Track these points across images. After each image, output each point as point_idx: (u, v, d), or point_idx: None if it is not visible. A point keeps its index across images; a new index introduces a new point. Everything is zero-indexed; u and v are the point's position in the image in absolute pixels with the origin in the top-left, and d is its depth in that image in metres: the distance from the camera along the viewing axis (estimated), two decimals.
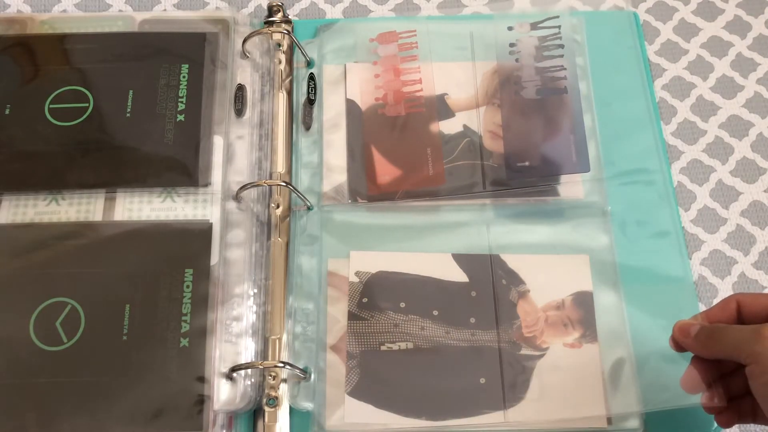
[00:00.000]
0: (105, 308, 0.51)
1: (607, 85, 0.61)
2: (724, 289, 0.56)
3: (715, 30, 0.65)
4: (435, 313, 0.53)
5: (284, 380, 0.51)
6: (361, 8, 0.65)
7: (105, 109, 0.57)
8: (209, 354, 0.50)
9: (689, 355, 0.45)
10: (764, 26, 0.65)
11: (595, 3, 0.65)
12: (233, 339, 0.51)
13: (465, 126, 0.59)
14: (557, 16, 0.60)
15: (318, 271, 0.54)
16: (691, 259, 0.57)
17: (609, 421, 0.50)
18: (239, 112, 0.58)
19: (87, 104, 0.57)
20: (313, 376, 0.51)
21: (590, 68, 0.61)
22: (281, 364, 0.50)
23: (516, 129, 0.58)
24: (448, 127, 0.59)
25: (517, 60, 0.59)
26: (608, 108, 0.60)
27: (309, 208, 0.56)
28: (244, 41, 0.60)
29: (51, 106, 0.57)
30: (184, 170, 0.55)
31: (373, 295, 0.53)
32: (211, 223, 0.54)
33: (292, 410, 0.51)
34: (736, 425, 0.51)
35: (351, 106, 0.59)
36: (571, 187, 0.57)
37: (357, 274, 0.54)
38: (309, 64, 0.61)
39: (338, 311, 0.53)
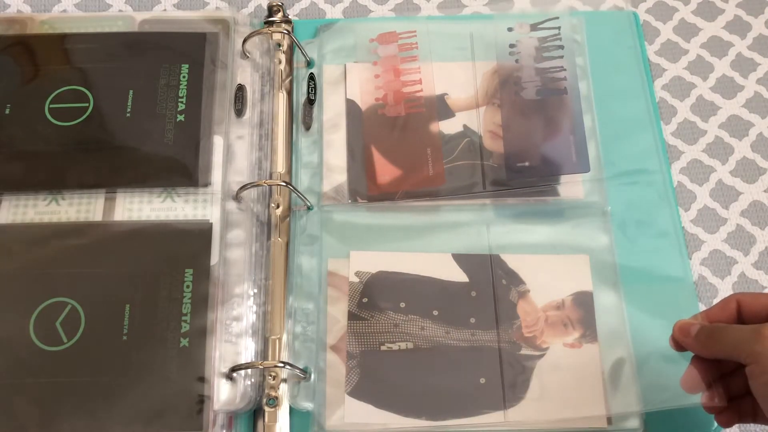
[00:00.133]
0: (105, 308, 0.51)
1: (607, 85, 0.61)
2: (724, 289, 0.56)
3: (715, 30, 0.65)
4: (435, 313, 0.53)
5: (284, 380, 0.51)
6: (361, 8, 0.65)
7: (105, 109, 0.57)
8: (209, 354, 0.50)
9: (689, 354, 0.45)
10: (764, 26, 0.65)
11: (595, 3, 0.65)
12: (233, 339, 0.51)
13: (465, 126, 0.59)
14: (557, 17, 0.60)
15: (318, 271, 0.54)
16: (691, 259, 0.57)
17: (609, 421, 0.50)
18: (239, 112, 0.58)
19: (87, 104, 0.57)
20: (313, 376, 0.51)
21: (590, 68, 0.61)
22: (281, 364, 0.50)
23: (516, 129, 0.58)
24: (448, 127, 0.59)
25: (517, 61, 0.59)
26: (608, 108, 0.60)
27: (309, 208, 0.56)
28: (244, 41, 0.60)
29: (51, 105, 0.57)
30: (184, 170, 0.55)
31: (373, 295, 0.53)
32: (211, 223, 0.54)
33: (292, 410, 0.51)
34: (736, 425, 0.51)
35: (351, 106, 0.59)
36: (571, 187, 0.57)
37: (357, 274, 0.54)
38: (309, 64, 0.61)
39: (338, 311, 0.53)
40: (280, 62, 0.61)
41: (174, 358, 0.49)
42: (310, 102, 0.59)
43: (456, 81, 0.60)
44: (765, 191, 0.59)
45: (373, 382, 0.51)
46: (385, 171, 0.57)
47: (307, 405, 0.50)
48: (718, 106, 0.62)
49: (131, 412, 0.48)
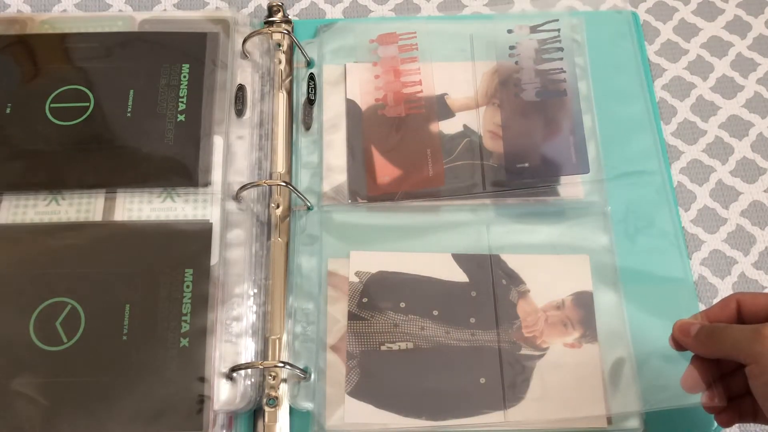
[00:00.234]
0: (105, 308, 0.51)
1: (607, 85, 0.61)
2: (724, 289, 0.56)
3: (715, 30, 0.65)
4: (435, 313, 0.53)
5: (284, 380, 0.51)
6: (361, 8, 0.65)
7: (106, 109, 0.57)
8: (209, 354, 0.50)
9: (689, 354, 0.45)
10: (764, 26, 0.65)
11: (594, 3, 0.65)
12: (233, 339, 0.51)
13: (465, 126, 0.59)
14: (556, 20, 0.60)
15: (318, 271, 0.54)
16: (691, 259, 0.57)
17: (609, 420, 0.50)
18: (239, 112, 0.58)
19: (88, 104, 0.57)
20: (313, 376, 0.51)
21: (590, 68, 0.61)
22: (281, 364, 0.50)
23: (516, 130, 0.58)
24: (448, 127, 0.59)
25: (516, 62, 0.59)
26: (608, 108, 0.60)
27: (309, 208, 0.56)
28: (244, 41, 0.60)
29: (52, 105, 0.57)
30: (184, 170, 0.55)
31: (373, 295, 0.53)
32: (211, 223, 0.54)
33: (292, 410, 0.51)
34: (737, 425, 0.51)
35: (351, 106, 0.59)
36: (571, 187, 0.57)
37: (357, 274, 0.54)
38: (309, 64, 0.61)
39: (338, 311, 0.53)
40: (280, 62, 0.61)
41: (174, 358, 0.49)
42: (310, 102, 0.59)
43: (456, 81, 0.60)
44: (765, 191, 0.59)
45: (373, 382, 0.51)
46: (385, 171, 0.57)
47: (307, 405, 0.50)
48: (718, 106, 0.62)
49: (131, 412, 0.48)
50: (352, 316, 0.53)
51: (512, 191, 0.56)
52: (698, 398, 0.44)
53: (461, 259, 0.55)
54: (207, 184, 0.55)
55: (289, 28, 0.61)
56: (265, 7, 0.64)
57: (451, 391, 0.51)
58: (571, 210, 0.56)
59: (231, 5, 0.65)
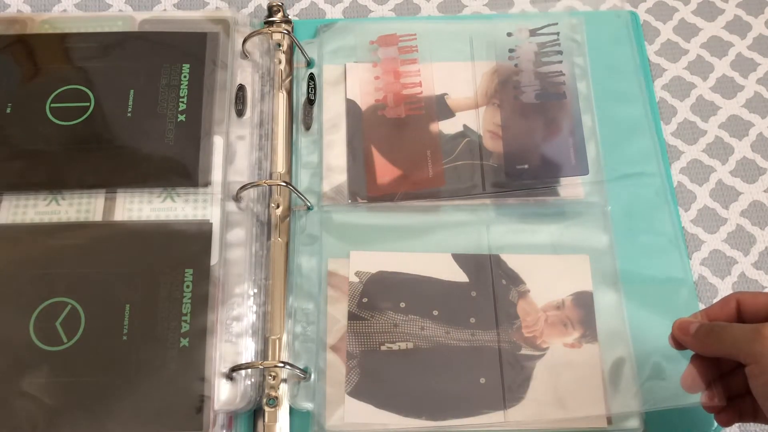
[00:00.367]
0: (105, 308, 0.51)
1: (607, 85, 0.61)
2: (724, 289, 0.56)
3: (715, 30, 0.65)
4: (435, 313, 0.53)
5: (284, 380, 0.51)
6: (361, 8, 0.65)
7: (106, 109, 0.57)
8: (209, 354, 0.50)
9: (689, 354, 0.45)
10: (764, 26, 0.65)
11: (594, 3, 0.65)
12: (233, 339, 0.51)
13: (465, 126, 0.59)
14: (556, 23, 0.60)
15: (318, 271, 0.54)
16: (691, 259, 0.57)
17: (609, 420, 0.50)
18: (240, 112, 0.58)
19: (88, 104, 0.57)
20: (313, 376, 0.51)
21: (590, 68, 0.61)
22: (281, 364, 0.50)
23: (515, 132, 0.58)
24: (449, 127, 0.59)
25: (516, 65, 0.59)
26: (608, 108, 0.60)
27: (309, 208, 0.56)
28: (245, 41, 0.60)
29: (52, 105, 0.57)
30: (184, 170, 0.55)
31: (373, 295, 0.53)
32: (211, 223, 0.54)
33: (292, 410, 0.51)
34: (736, 424, 0.51)
35: (351, 106, 0.59)
36: (572, 187, 0.57)
37: (357, 274, 0.54)
38: (309, 64, 0.61)
39: (338, 311, 0.53)
40: (280, 62, 0.61)
41: (174, 358, 0.49)
42: (310, 102, 0.59)
43: (456, 81, 0.60)
44: (765, 191, 0.59)
45: (373, 382, 0.51)
46: (385, 171, 0.57)
47: (307, 405, 0.50)
48: (718, 106, 0.62)
49: (131, 412, 0.48)
50: (352, 316, 0.53)
51: (512, 192, 0.56)
52: (698, 398, 0.44)
53: (461, 259, 0.55)
54: (207, 184, 0.55)
55: (289, 28, 0.61)
56: (265, 7, 0.64)
57: (451, 391, 0.51)
58: (571, 210, 0.56)
59: (231, 5, 0.65)
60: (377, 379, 0.51)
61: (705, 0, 0.66)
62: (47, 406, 0.48)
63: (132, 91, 0.57)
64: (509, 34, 0.61)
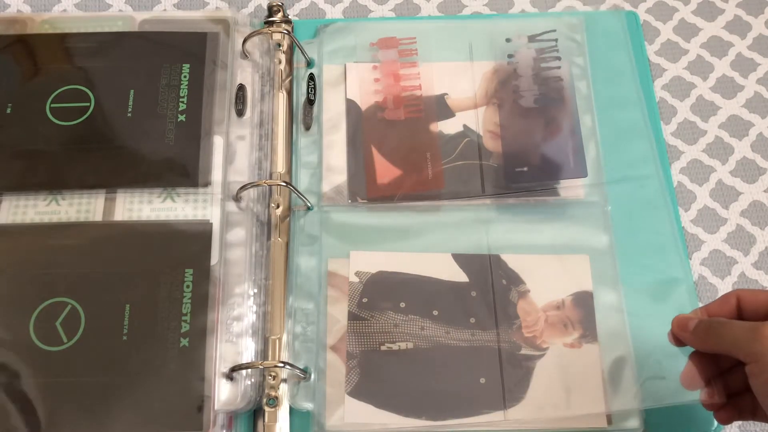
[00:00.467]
0: (105, 308, 0.51)
1: (606, 85, 0.61)
2: (724, 289, 0.56)
3: (715, 30, 0.65)
4: (435, 313, 0.53)
5: (284, 380, 0.51)
6: (361, 8, 0.65)
7: (106, 109, 0.57)
8: (209, 354, 0.50)
9: (689, 351, 0.45)
10: (764, 26, 0.65)
11: (594, 3, 0.65)
12: (233, 339, 0.51)
13: (465, 126, 0.59)
14: (554, 30, 0.61)
15: (318, 271, 0.54)
16: (691, 259, 0.57)
17: (609, 420, 0.50)
18: (240, 112, 0.58)
19: (88, 104, 0.57)
20: (313, 376, 0.51)
21: (590, 68, 0.61)
22: (281, 364, 0.50)
23: (514, 134, 0.58)
24: (448, 127, 0.59)
25: (515, 70, 0.60)
26: (608, 108, 0.60)
27: (309, 208, 0.56)
28: (245, 41, 0.60)
29: (52, 105, 0.57)
30: (184, 170, 0.55)
31: (373, 295, 0.53)
32: (211, 223, 0.54)
33: (292, 410, 0.51)
34: (736, 423, 0.52)
35: (351, 106, 0.59)
36: (572, 187, 0.56)
37: (357, 274, 0.54)
38: (309, 64, 0.61)
39: (338, 311, 0.53)
40: (280, 62, 0.61)
41: (174, 358, 0.50)
42: (310, 102, 0.59)
43: (456, 81, 0.60)
44: (765, 191, 0.59)
45: (373, 382, 0.51)
46: (385, 172, 0.57)
47: (307, 405, 0.50)
48: (718, 106, 0.62)
49: (131, 412, 0.48)
50: (352, 316, 0.53)
51: (511, 193, 0.56)
52: (698, 395, 0.44)
53: (461, 259, 0.55)
54: (207, 184, 0.55)
55: (289, 28, 0.61)
56: (265, 7, 0.64)
57: (451, 391, 0.51)
58: (571, 210, 0.56)
59: (231, 5, 0.65)
60: (377, 379, 0.51)
61: (705, 0, 0.66)
62: (47, 406, 0.48)
63: (132, 91, 0.57)
64: (508, 40, 0.61)
